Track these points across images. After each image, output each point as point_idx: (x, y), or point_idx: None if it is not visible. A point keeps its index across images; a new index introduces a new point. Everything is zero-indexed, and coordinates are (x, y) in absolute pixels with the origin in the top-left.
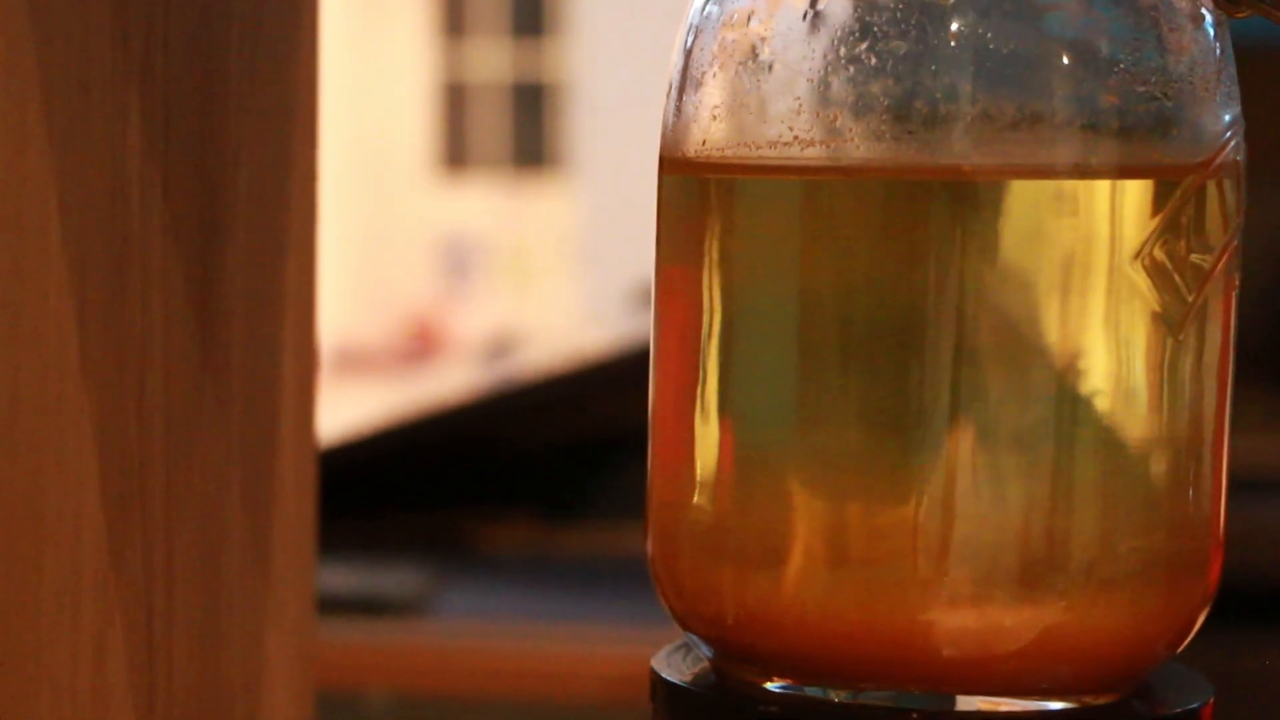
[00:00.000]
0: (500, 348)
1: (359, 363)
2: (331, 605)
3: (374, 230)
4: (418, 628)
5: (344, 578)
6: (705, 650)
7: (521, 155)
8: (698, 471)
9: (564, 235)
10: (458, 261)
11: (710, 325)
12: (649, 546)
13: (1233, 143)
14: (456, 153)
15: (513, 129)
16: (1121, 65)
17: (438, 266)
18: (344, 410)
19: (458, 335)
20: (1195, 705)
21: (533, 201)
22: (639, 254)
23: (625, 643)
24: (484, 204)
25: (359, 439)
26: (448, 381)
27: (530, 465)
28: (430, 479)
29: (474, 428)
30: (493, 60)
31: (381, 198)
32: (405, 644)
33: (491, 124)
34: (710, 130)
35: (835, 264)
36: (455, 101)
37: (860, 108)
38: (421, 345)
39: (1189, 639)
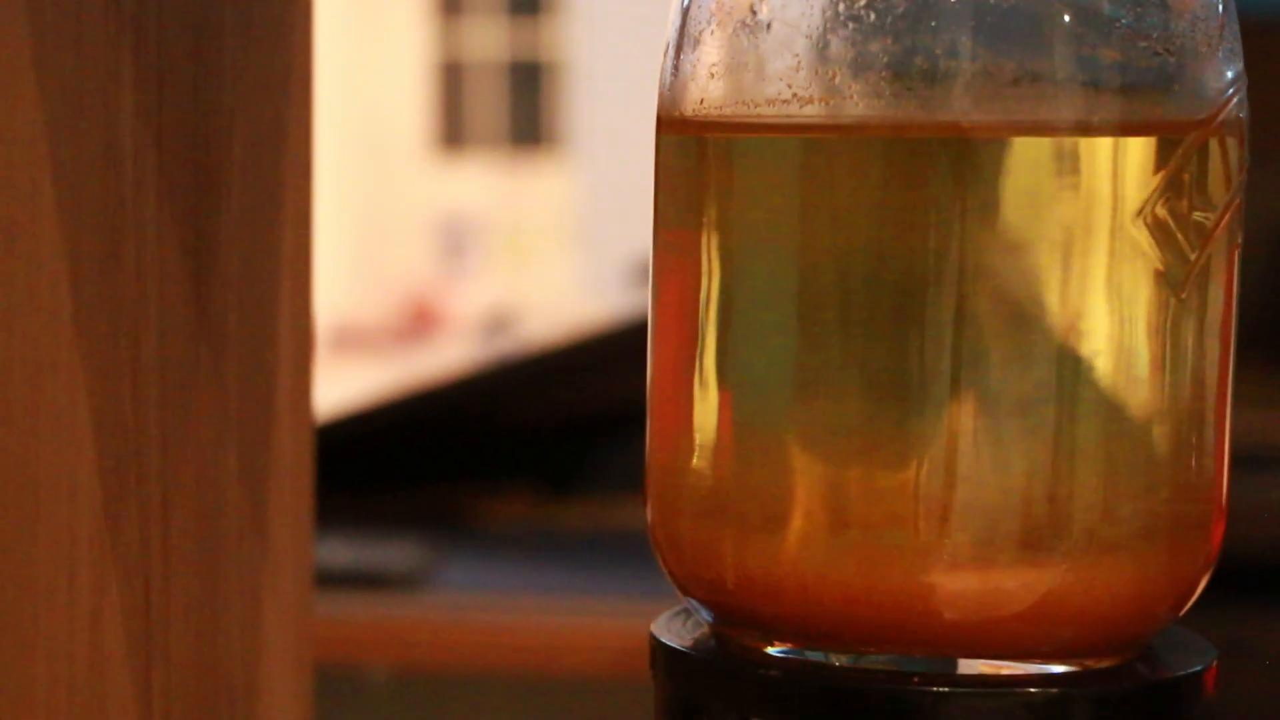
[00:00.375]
0: (497, 326)
1: (357, 341)
2: (331, 579)
3: (371, 209)
4: (417, 601)
5: (343, 552)
6: (705, 615)
7: (518, 134)
8: (697, 435)
9: (561, 214)
10: (455, 240)
11: (709, 286)
12: (649, 512)
13: (1235, 99)
14: (454, 132)
15: (510, 108)
16: (1123, 21)
17: (435, 245)
18: (342, 389)
19: (455, 314)
20: (1198, 668)
21: (530, 180)
22: (636, 232)
23: (624, 615)
24: (481, 183)
25: (358, 413)
26: (445, 360)
27: (528, 439)
28: (429, 453)
29: (473, 401)
30: (489, 39)
31: (379, 177)
32: (404, 618)
33: (488, 103)
34: (708, 89)
35: (834, 223)
36: (452, 81)
37: (859, 65)
38: (419, 324)
39: (1191, 602)
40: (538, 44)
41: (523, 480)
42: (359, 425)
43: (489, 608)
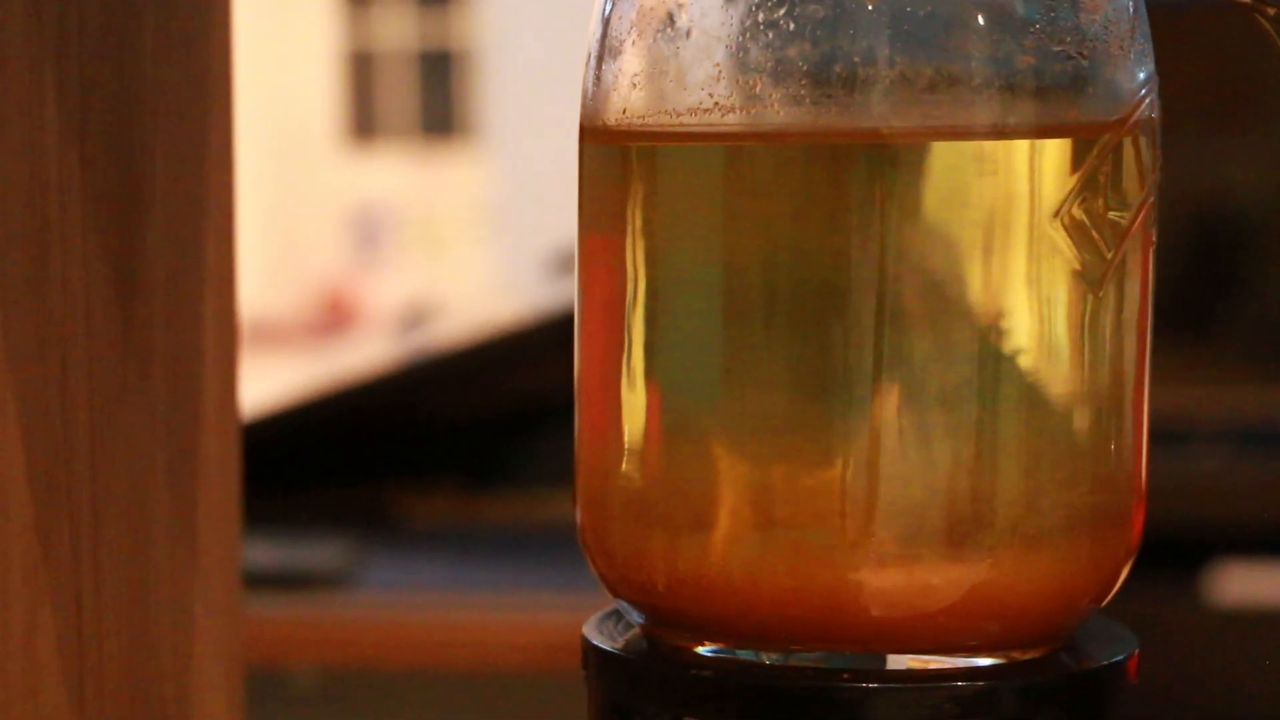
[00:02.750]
0: (414, 318)
1: (271, 336)
2: (255, 580)
3: (283, 202)
4: (342, 601)
5: (267, 552)
6: (636, 617)
7: (430, 124)
8: (625, 439)
9: (475, 203)
10: (369, 232)
11: (634, 293)
12: (578, 515)
13: (1148, 100)
14: (365, 122)
15: (421, 97)
16: (1037, 25)
17: (349, 238)
18: (258, 384)
19: (371, 307)
20: (1120, 658)
21: (443, 170)
22: (551, 221)
23: (551, 610)
24: (394, 173)
25: (279, 412)
26: (362, 353)
27: (451, 435)
28: (351, 451)
29: (394, 398)
30: (399, 29)
31: (289, 169)
32: (330, 617)
33: (399, 93)
34: (630, 98)
35: (757, 229)
36: (362, 71)
37: (779, 73)
38: (334, 317)
39: (1114, 592)
40: (448, 33)
41: (446, 476)
42: (280, 424)
43: (415, 605)
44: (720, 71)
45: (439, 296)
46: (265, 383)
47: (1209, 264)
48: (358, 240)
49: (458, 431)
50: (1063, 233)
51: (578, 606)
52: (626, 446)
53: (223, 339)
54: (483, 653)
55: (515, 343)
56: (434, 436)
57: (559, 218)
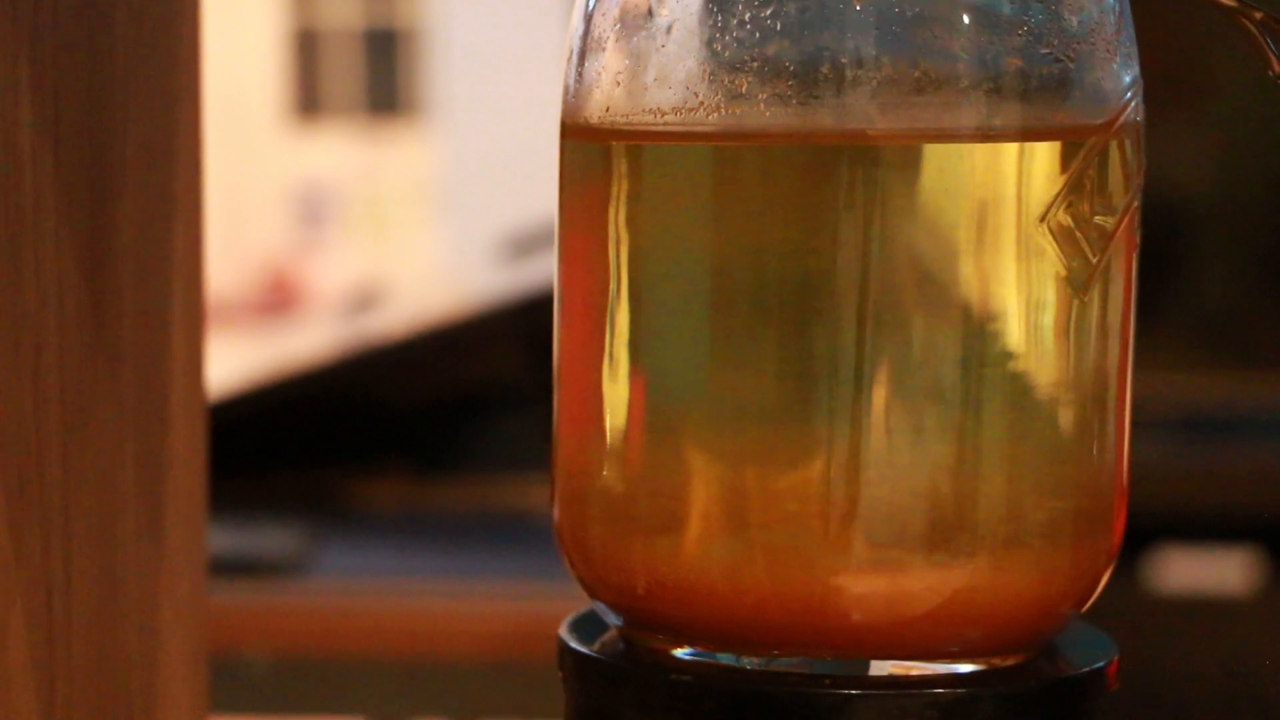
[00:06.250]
0: (361, 299)
1: (215, 316)
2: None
3: (227, 180)
4: (295, 587)
5: (219, 539)
6: (614, 619)
7: (376, 102)
8: (606, 440)
9: (422, 184)
10: (314, 211)
11: (616, 294)
12: (555, 515)
13: (1133, 103)
14: (310, 100)
15: (366, 75)
16: (1024, 27)
17: (293, 217)
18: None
19: (316, 287)
20: (1100, 664)
21: (389, 149)
22: (499, 203)
23: (504, 598)
24: (339, 152)
25: (231, 397)
26: (308, 334)
27: (403, 421)
28: (303, 437)
29: (346, 384)
30: (344, 6)
31: (233, 148)
32: (283, 604)
33: (345, 70)
34: (613, 96)
35: (740, 231)
36: (307, 48)
37: (764, 73)
38: (279, 297)
39: (1094, 598)
40: (393, 11)
41: (399, 462)
42: (231, 410)
43: (368, 592)
44: (705, 70)
45: (385, 277)
46: (212, 364)
47: (1151, 251)
48: (302, 219)
49: (410, 417)
50: (1049, 237)
51: (531, 594)
52: (607, 447)
53: (190, 328)
54: (436, 640)
55: (466, 327)
56: (386, 423)
57: (507, 200)
